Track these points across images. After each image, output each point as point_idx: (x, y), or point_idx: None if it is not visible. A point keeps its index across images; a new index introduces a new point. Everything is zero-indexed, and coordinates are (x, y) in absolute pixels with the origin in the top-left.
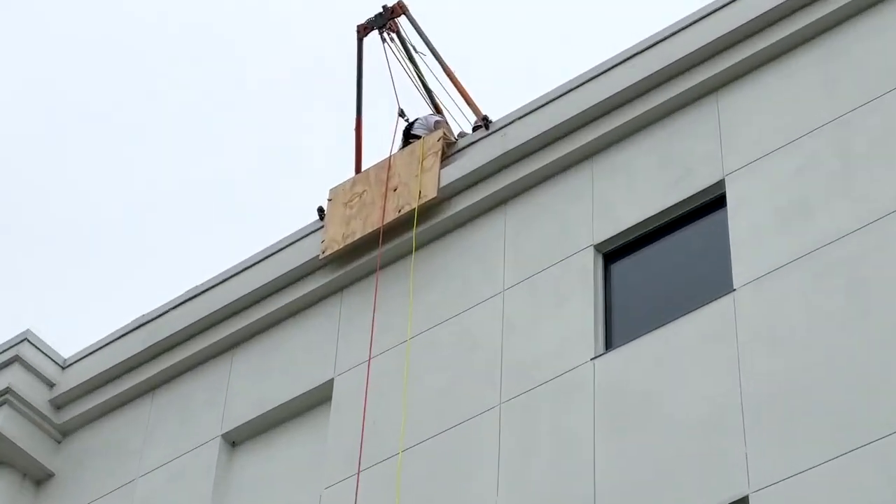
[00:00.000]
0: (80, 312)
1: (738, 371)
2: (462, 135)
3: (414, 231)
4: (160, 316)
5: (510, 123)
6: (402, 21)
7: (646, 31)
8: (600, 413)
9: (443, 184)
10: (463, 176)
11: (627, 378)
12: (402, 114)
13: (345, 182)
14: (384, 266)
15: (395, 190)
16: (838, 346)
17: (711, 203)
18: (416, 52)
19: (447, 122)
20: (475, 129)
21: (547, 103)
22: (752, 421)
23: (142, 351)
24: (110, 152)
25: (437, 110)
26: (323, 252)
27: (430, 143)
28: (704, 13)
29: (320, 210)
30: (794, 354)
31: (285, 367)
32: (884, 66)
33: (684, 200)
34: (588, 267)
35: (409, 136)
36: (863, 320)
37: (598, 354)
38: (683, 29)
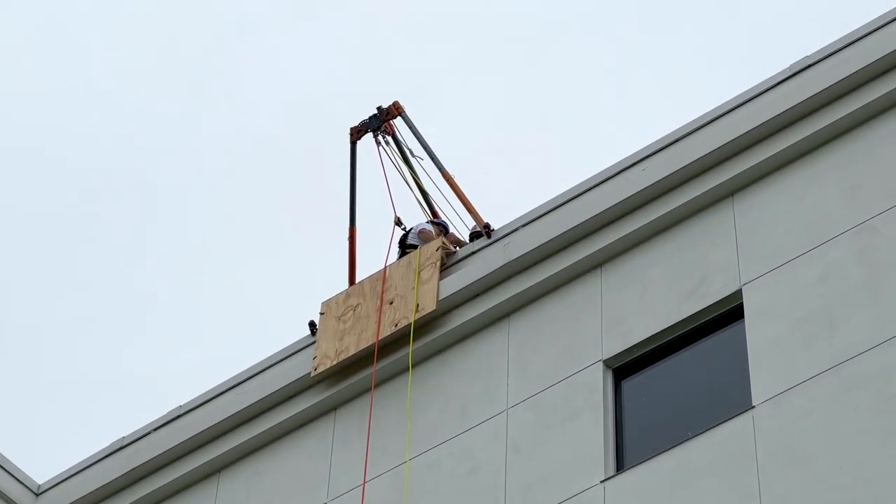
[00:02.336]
0: (54, 435)
1: (759, 495)
2: (465, 242)
3: (411, 347)
4: (140, 438)
5: (513, 232)
6: (398, 123)
7: (656, 133)
8: None
9: (442, 296)
10: (463, 288)
11: (640, 503)
12: (398, 222)
13: (338, 294)
14: (380, 384)
15: (391, 303)
16: (867, 468)
17: (728, 314)
18: (413, 155)
19: (446, 231)
20: (472, 237)
21: (552, 210)
22: None
23: (121, 476)
24: (83, 264)
25: (435, 217)
26: (315, 369)
27: (428, 254)
28: (718, 114)
29: (312, 324)
30: (819, 477)
31: (274, 492)
32: None
33: (699, 312)
34: (597, 384)
35: (405, 246)
36: (893, 439)
37: (608, 477)
38: (696, 130)
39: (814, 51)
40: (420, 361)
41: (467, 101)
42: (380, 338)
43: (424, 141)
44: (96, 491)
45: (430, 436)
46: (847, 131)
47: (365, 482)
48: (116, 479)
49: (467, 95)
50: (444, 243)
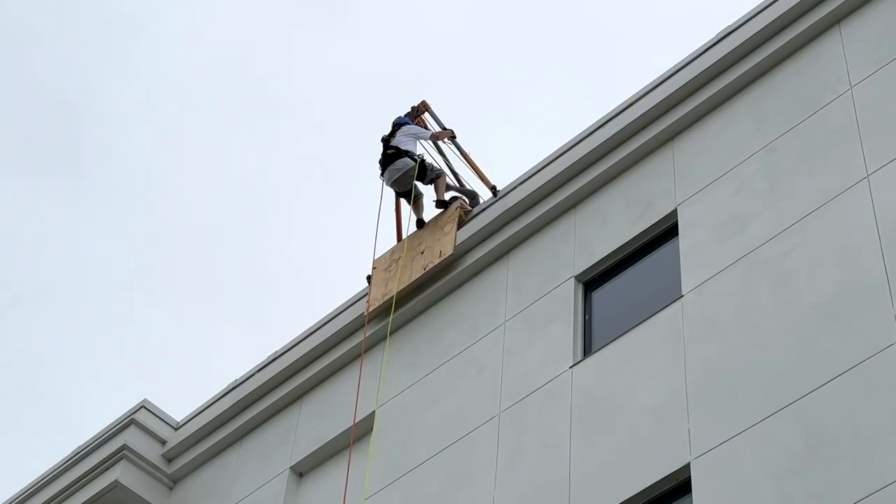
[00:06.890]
0: (194, 381)
1: (684, 363)
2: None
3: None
4: (246, 380)
5: (512, 190)
6: (427, 118)
7: (618, 97)
8: (576, 411)
9: (458, 243)
10: (473, 234)
11: (598, 380)
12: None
13: (385, 252)
14: (416, 316)
15: (421, 253)
16: (766, 333)
17: (667, 230)
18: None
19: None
20: (493, 192)
21: (540, 170)
22: (694, 402)
23: (230, 407)
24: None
25: (460, 186)
26: (368, 310)
27: (450, 212)
28: (661, 80)
29: (368, 278)
30: (729, 343)
31: (340, 407)
32: (802, 100)
33: (645, 230)
34: (570, 294)
35: (388, 146)
36: (786, 308)
37: (575, 362)
38: (647, 94)
39: (733, 20)
40: (445, 295)
41: (469, 85)
42: (412, 280)
43: (447, 129)
44: (213, 420)
45: (449, 349)
46: (756, 79)
47: (382, 403)
48: (227, 409)
49: (467, 79)
50: (462, 204)
